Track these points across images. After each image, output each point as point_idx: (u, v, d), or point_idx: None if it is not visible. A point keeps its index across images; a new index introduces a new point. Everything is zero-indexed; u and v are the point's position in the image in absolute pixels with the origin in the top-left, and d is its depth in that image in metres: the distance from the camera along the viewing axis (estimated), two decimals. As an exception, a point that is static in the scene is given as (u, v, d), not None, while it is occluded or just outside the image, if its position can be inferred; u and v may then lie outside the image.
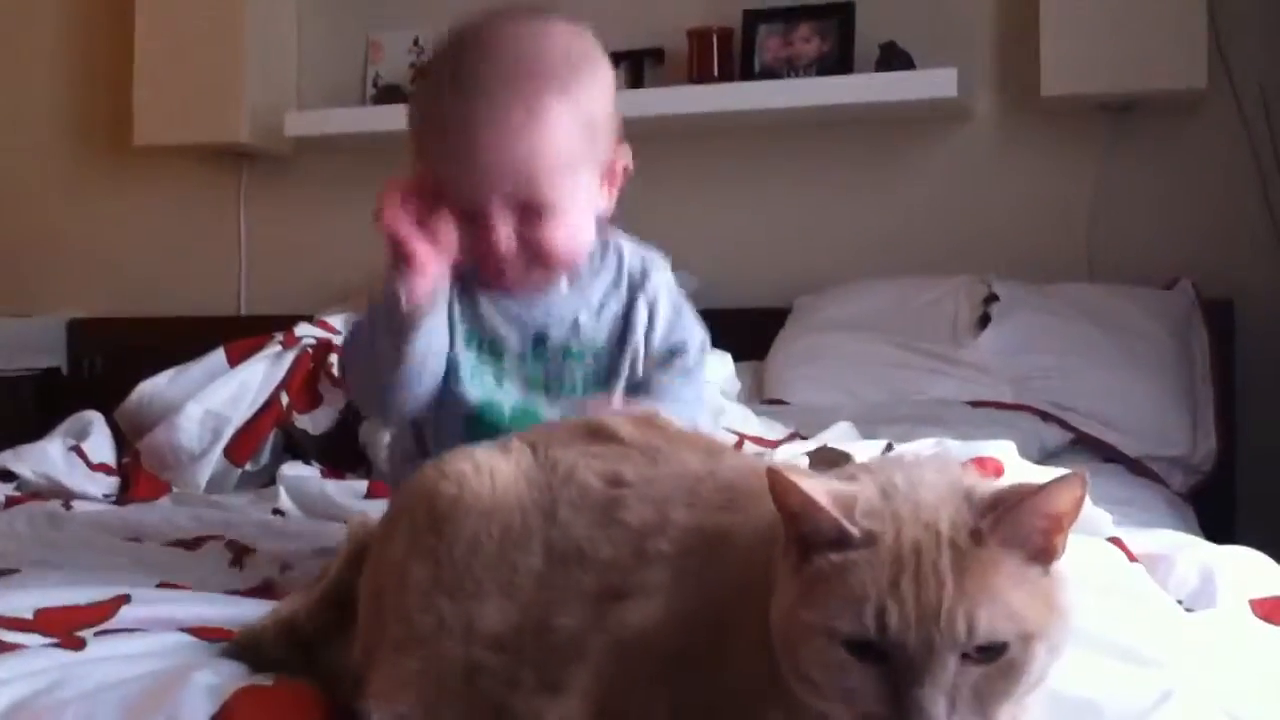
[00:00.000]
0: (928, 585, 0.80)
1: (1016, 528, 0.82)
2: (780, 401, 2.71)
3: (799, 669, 0.83)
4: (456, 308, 1.43)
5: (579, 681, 0.96)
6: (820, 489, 0.83)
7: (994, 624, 0.80)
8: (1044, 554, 0.84)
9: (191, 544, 1.67)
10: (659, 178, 2.85)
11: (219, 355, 2.41)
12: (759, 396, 2.75)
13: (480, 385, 1.43)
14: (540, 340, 1.45)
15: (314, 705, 1.04)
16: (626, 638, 0.95)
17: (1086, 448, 2.48)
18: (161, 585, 1.37)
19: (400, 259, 1.29)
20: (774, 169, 3.26)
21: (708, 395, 1.62)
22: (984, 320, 2.78)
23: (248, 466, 2.29)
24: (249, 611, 1.23)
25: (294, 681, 1.07)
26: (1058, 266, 2.99)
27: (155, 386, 2.38)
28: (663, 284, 1.50)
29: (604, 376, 1.45)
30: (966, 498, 0.84)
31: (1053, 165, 3.06)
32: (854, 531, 0.82)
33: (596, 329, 1.46)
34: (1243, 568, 1.25)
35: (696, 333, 1.51)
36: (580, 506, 1.04)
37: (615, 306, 1.47)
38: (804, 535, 0.83)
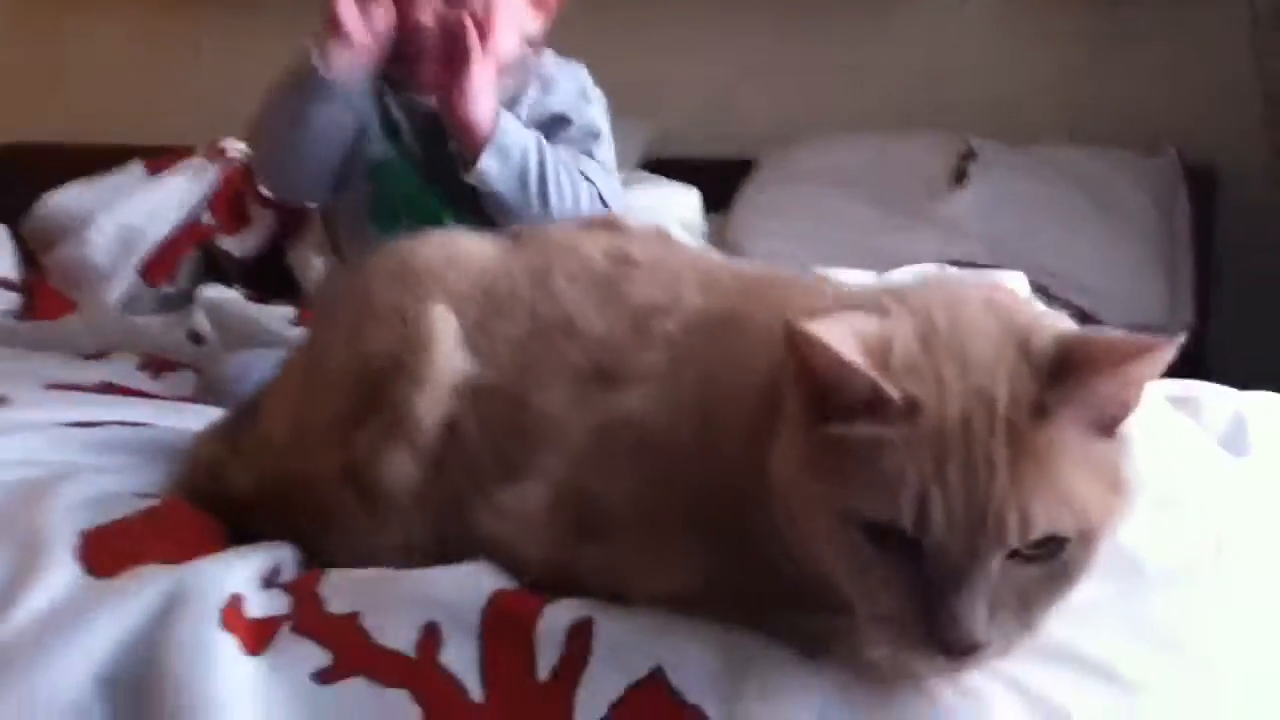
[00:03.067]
0: (978, 475, 0.66)
1: (1090, 399, 0.68)
2: (744, 256, 2.56)
3: (804, 539, 0.71)
4: (371, 102, 1.45)
5: (546, 466, 0.83)
6: (849, 337, 0.67)
7: (1053, 521, 0.66)
8: (1114, 422, 0.70)
9: (94, 356, 1.49)
10: (624, 19, 2.68)
11: (136, 167, 2.19)
12: (722, 250, 2.59)
13: (384, 161, 1.43)
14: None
15: (197, 526, 0.92)
16: (610, 422, 0.82)
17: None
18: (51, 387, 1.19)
19: (332, 28, 1.34)
20: (746, 15, 3.05)
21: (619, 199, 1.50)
22: (960, 177, 2.63)
23: (165, 288, 2.09)
24: (152, 415, 1.07)
25: (178, 502, 0.96)
26: (1038, 128, 2.84)
27: (64, 197, 2.16)
28: (572, 73, 1.50)
29: None
30: (1023, 350, 0.69)
31: (1037, 23, 2.89)
32: (894, 396, 0.67)
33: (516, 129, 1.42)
34: (1276, 415, 1.12)
35: (596, 120, 1.46)
36: (578, 278, 0.91)
37: (534, 109, 1.47)
38: (825, 396, 0.69)
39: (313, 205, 1.73)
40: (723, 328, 0.85)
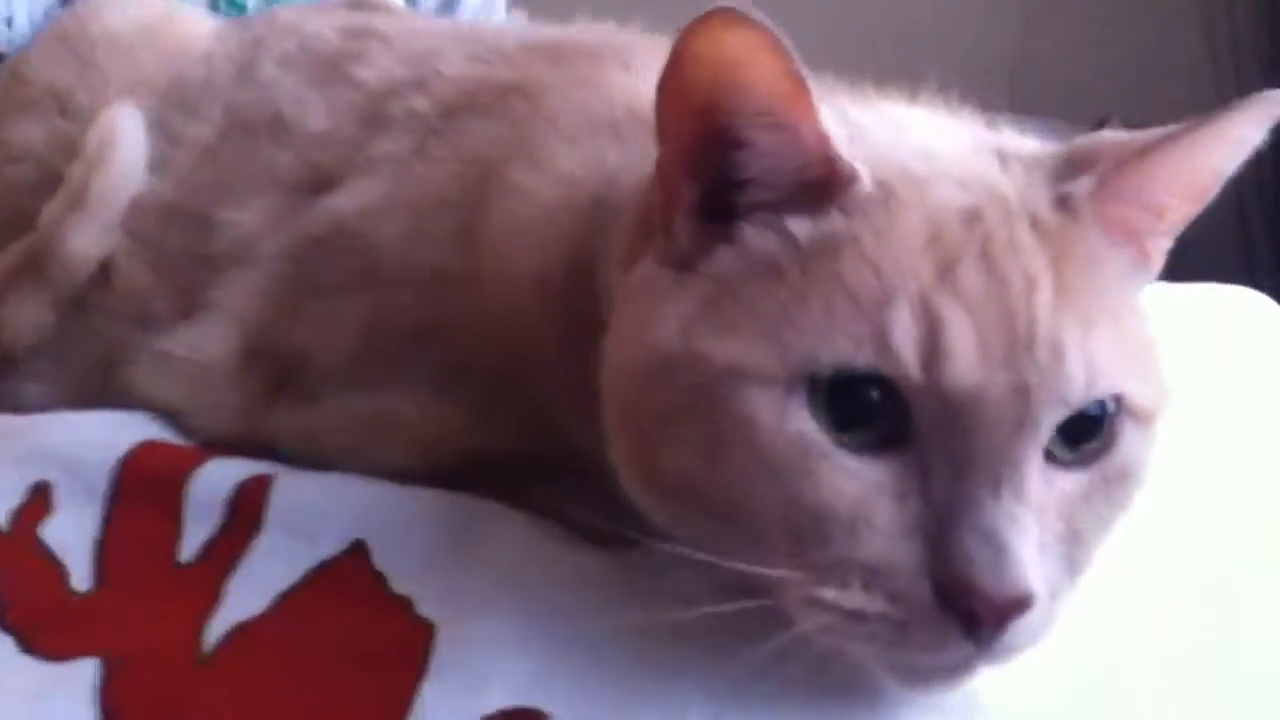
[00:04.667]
0: (1009, 282, 0.42)
1: (1132, 200, 0.46)
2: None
3: (678, 457, 0.44)
4: None
5: (230, 303, 0.59)
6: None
7: (1119, 369, 0.43)
8: (1141, 262, 0.48)
9: None
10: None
11: None
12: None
13: None
14: None
15: None
16: (316, 234, 0.59)
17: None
18: None
19: None
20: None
21: None
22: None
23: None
24: None
25: None
26: (977, 96, 2.65)
27: None
28: None
29: None
30: (1002, 155, 0.47)
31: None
32: (858, 170, 0.43)
33: None
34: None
35: None
36: (295, 63, 0.68)
37: None
38: (727, 175, 0.44)
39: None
40: (504, 103, 0.61)
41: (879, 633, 0.41)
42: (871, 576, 0.41)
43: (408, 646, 0.46)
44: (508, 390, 0.54)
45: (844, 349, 0.41)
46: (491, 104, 0.61)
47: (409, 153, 0.60)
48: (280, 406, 0.58)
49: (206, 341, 0.60)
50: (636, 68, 0.60)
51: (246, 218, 0.63)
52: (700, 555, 0.42)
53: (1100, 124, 2.34)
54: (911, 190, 0.44)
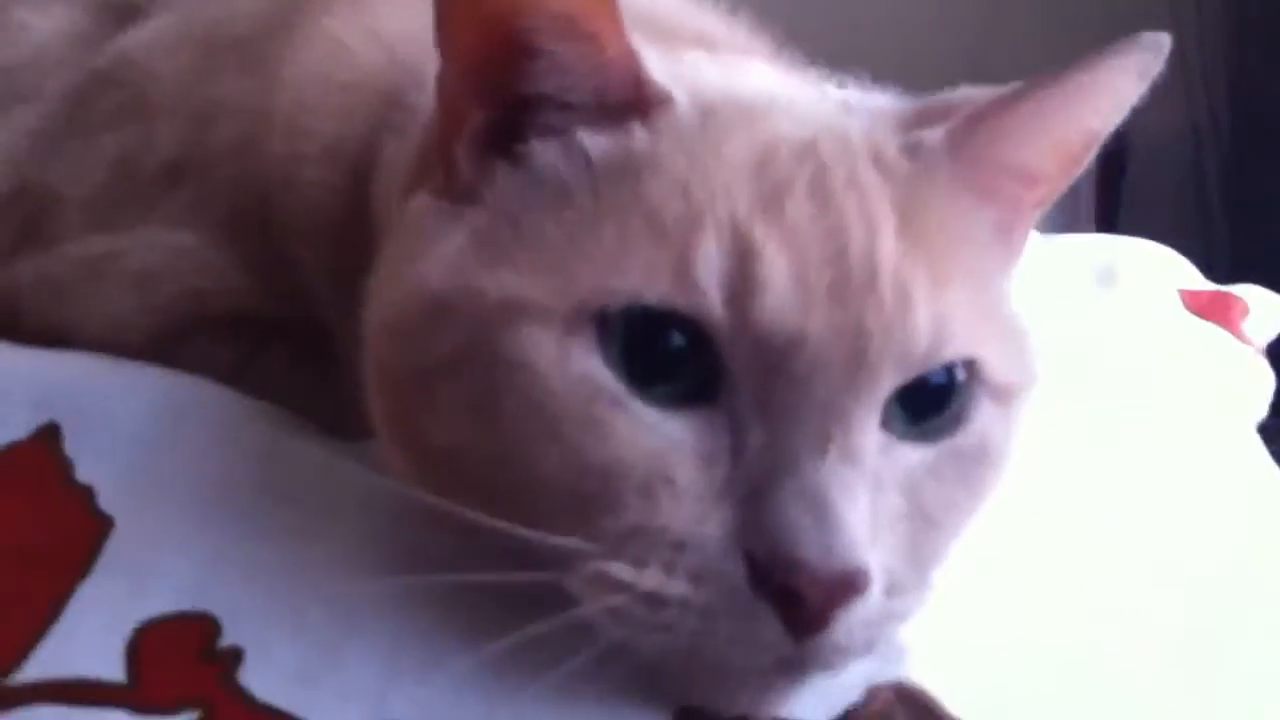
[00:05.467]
0: (844, 220, 0.36)
1: (991, 157, 0.41)
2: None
3: (448, 421, 0.37)
4: None
5: (4, 137, 0.55)
6: None
7: (974, 332, 0.37)
8: (1004, 233, 0.42)
9: None
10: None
11: None
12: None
13: None
14: None
15: None
16: (101, 65, 0.53)
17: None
18: None
19: None
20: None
21: None
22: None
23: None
24: None
25: None
26: (938, 82, 2.62)
27: None
28: None
29: None
30: (845, 103, 0.42)
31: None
32: (668, 91, 0.38)
33: None
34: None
35: None
36: None
37: None
38: (506, 103, 0.39)
39: None
40: None
41: (678, 622, 0.34)
42: (673, 553, 0.34)
43: (75, 543, 0.40)
44: (255, 239, 0.48)
45: (637, 280, 0.35)
46: None
47: None
48: (21, 255, 0.53)
49: None
50: None
51: (43, 25, 0.57)
52: (470, 515, 0.35)
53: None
54: (738, 115, 0.38)
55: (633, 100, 0.38)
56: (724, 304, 0.35)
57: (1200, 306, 0.83)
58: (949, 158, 0.40)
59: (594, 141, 0.38)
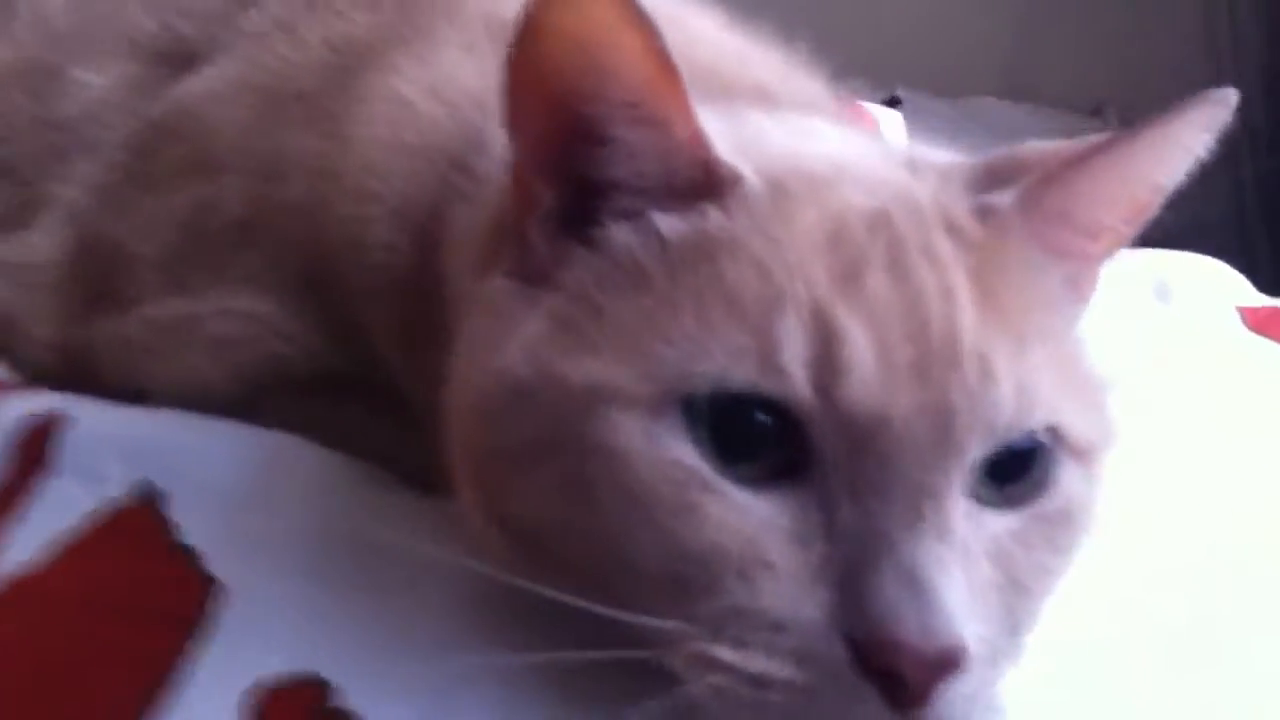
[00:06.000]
0: (925, 292, 0.36)
1: (1062, 216, 0.41)
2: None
3: (536, 502, 0.38)
4: None
5: (69, 192, 0.55)
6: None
7: (1057, 398, 0.38)
8: (1074, 286, 0.42)
9: None
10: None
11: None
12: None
13: None
14: None
15: None
16: (159, 116, 0.53)
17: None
18: None
19: None
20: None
21: None
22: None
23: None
24: None
25: None
26: (971, 84, 2.61)
27: None
28: None
29: None
30: (912, 164, 0.42)
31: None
32: (738, 171, 0.38)
33: None
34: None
35: None
36: None
37: None
38: (578, 183, 0.39)
39: None
40: None
41: (783, 701, 0.34)
42: (774, 635, 0.34)
43: (186, 604, 0.42)
44: (325, 301, 0.49)
45: (721, 364, 0.35)
46: None
47: (276, 29, 0.54)
48: (101, 313, 0.54)
49: (41, 242, 0.56)
50: None
51: (99, 82, 0.58)
52: (566, 598, 0.35)
53: (1096, 111, 2.28)
54: (809, 189, 0.38)
55: (703, 182, 0.38)
56: (809, 387, 0.35)
57: (1259, 323, 0.82)
58: (1020, 219, 0.40)
59: (668, 223, 0.38)
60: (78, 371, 0.53)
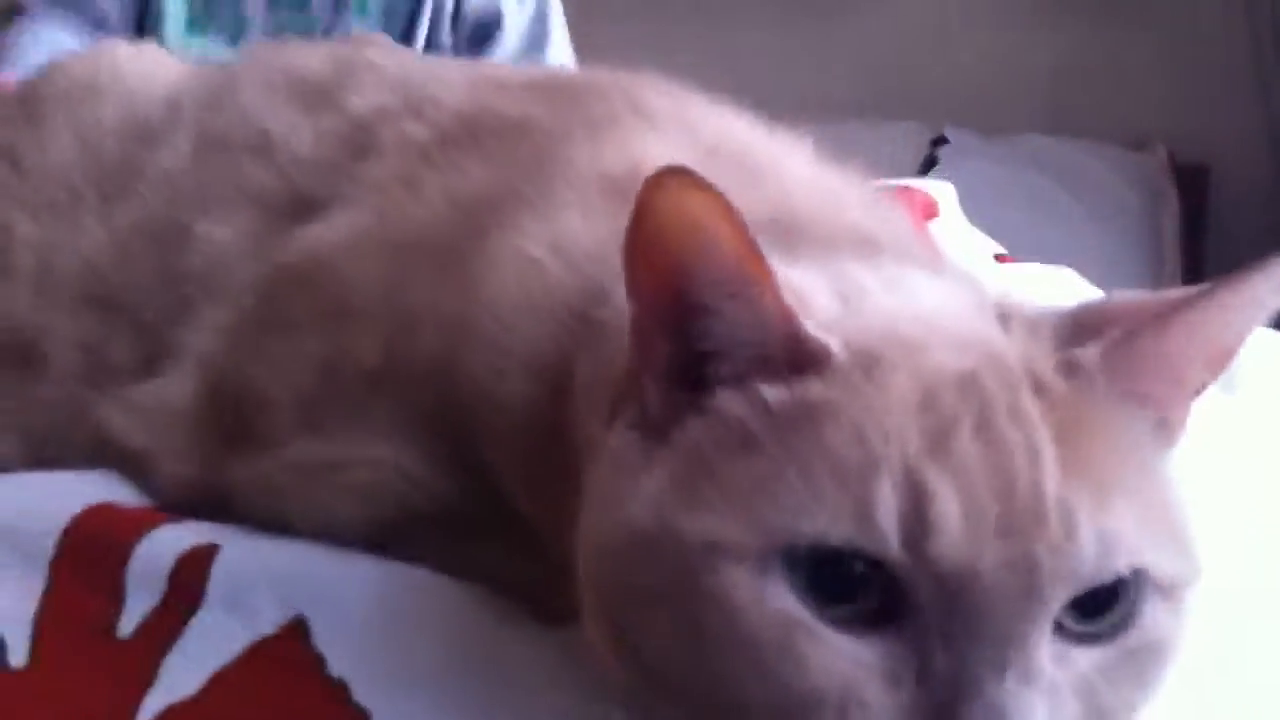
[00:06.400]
0: (1010, 451, 0.39)
1: (1147, 369, 0.43)
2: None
3: (657, 642, 0.41)
4: None
5: (197, 343, 0.57)
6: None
7: (1138, 540, 0.40)
8: (1162, 426, 0.44)
9: None
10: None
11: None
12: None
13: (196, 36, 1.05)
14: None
15: None
16: (290, 263, 0.56)
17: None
18: None
19: None
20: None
21: None
22: (929, 166, 2.42)
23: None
24: None
25: None
26: (1017, 120, 2.62)
27: None
28: None
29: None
30: (1008, 315, 0.44)
31: (1019, 5, 2.65)
32: (828, 346, 0.41)
33: None
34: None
35: (526, 5, 1.16)
36: (278, 88, 0.65)
37: None
38: (700, 339, 0.42)
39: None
40: (508, 142, 0.58)
41: None
42: None
43: (339, 736, 0.44)
44: (458, 446, 0.52)
45: (823, 523, 0.38)
46: (494, 141, 0.58)
47: (398, 183, 0.57)
48: (237, 454, 0.57)
49: (174, 387, 0.58)
50: (651, 113, 0.58)
51: (223, 235, 0.61)
52: None
53: (1141, 145, 2.29)
54: (901, 354, 0.41)
55: (797, 356, 0.41)
56: (902, 544, 0.38)
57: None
58: (1105, 374, 0.42)
59: (771, 391, 0.41)
60: (217, 507, 0.56)
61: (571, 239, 0.52)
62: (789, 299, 0.40)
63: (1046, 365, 0.42)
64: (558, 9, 1.25)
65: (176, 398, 0.58)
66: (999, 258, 1.08)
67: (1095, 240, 2.31)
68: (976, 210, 2.30)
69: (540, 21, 1.18)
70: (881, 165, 2.55)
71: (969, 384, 0.40)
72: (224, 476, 0.56)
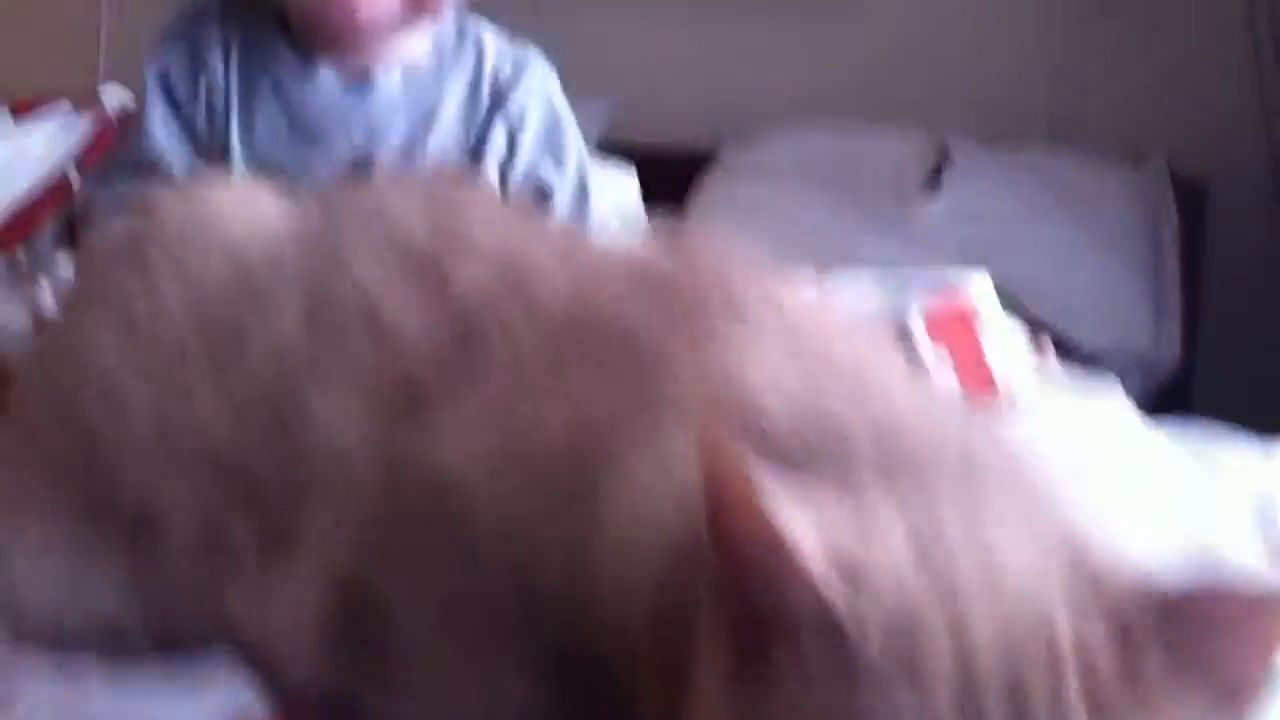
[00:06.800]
0: None
1: (1204, 635, 0.44)
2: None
3: None
4: (270, 100, 1.19)
5: (322, 535, 0.59)
6: (805, 530, 0.43)
7: None
8: (1236, 693, 0.45)
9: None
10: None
11: (-1, 110, 1.89)
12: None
13: None
14: (363, 164, 1.15)
15: None
16: (414, 477, 0.58)
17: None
18: None
19: None
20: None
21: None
22: (934, 178, 2.43)
23: (20, 257, 1.79)
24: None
25: None
26: (1014, 125, 2.64)
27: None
28: (534, 97, 1.22)
29: None
30: (1078, 570, 0.46)
31: (1021, 13, 2.68)
32: (871, 652, 0.43)
33: (438, 144, 1.18)
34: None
35: (571, 169, 1.20)
36: (383, 258, 0.63)
37: (466, 115, 1.20)
38: (760, 615, 0.45)
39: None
40: (615, 355, 0.59)
41: None
42: None
43: None
44: (581, 671, 0.53)
45: None
46: (601, 352, 0.59)
47: (514, 385, 0.58)
48: (361, 660, 0.57)
49: (298, 586, 0.59)
50: (748, 318, 0.58)
51: (338, 419, 0.61)
52: None
53: (1143, 157, 2.32)
54: (944, 625, 0.42)
55: (837, 635, 0.43)
56: None
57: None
58: (1162, 645, 0.43)
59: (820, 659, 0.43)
60: (340, 710, 0.57)
61: (680, 460, 0.53)
62: (842, 608, 0.42)
63: (1099, 638, 0.43)
64: (591, 167, 1.28)
65: (303, 600, 0.58)
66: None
67: (1096, 259, 2.34)
68: (980, 229, 2.34)
69: (582, 189, 1.21)
70: (885, 177, 2.58)
71: (1010, 668, 0.41)
72: (345, 682, 0.58)
